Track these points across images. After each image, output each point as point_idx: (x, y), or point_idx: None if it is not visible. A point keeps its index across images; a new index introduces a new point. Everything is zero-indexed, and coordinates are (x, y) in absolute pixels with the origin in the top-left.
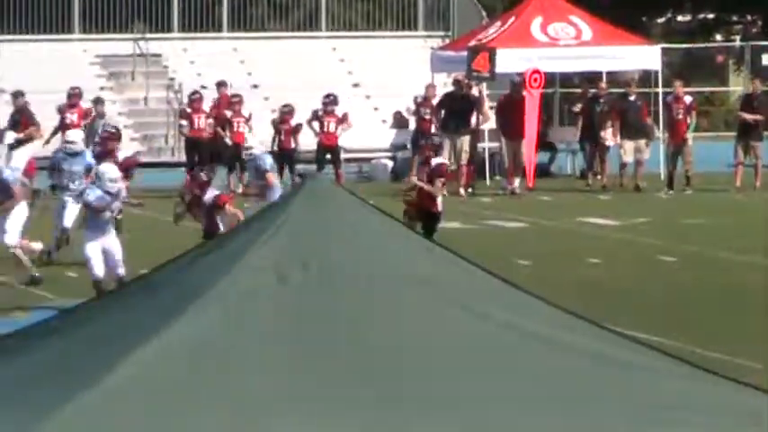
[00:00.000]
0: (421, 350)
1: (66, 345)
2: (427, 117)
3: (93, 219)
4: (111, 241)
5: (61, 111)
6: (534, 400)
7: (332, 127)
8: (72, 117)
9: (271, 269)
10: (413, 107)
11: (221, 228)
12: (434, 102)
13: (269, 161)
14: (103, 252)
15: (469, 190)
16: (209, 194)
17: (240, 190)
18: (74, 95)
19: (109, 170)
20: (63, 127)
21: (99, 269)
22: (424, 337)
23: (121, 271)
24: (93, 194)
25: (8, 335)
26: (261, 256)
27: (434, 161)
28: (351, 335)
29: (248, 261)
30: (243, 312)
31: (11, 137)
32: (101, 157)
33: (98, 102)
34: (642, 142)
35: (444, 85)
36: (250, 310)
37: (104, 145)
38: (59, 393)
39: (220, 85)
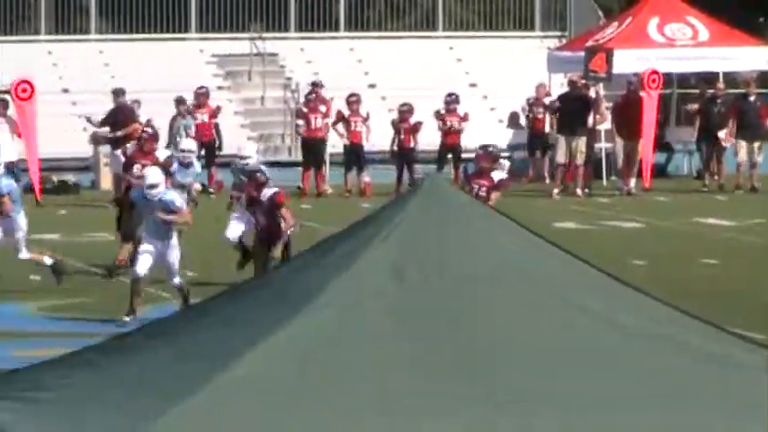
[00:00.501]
0: (532, 349)
1: (182, 344)
2: (540, 117)
3: (145, 219)
4: (162, 247)
5: (189, 111)
6: (636, 397)
7: (455, 125)
8: (203, 117)
9: (388, 268)
10: (526, 107)
11: (282, 226)
12: (546, 101)
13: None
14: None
15: (586, 190)
16: (266, 192)
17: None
18: (201, 95)
19: (150, 175)
20: (195, 126)
21: (140, 267)
22: (536, 335)
23: (176, 280)
24: (136, 193)
25: (127, 333)
26: (378, 255)
27: (497, 176)
28: (465, 333)
29: (366, 260)
30: (360, 311)
31: (103, 131)
32: (133, 158)
33: (180, 102)
34: (756, 144)
35: (561, 85)
36: (367, 308)
37: (141, 145)
38: (174, 392)
39: (315, 85)
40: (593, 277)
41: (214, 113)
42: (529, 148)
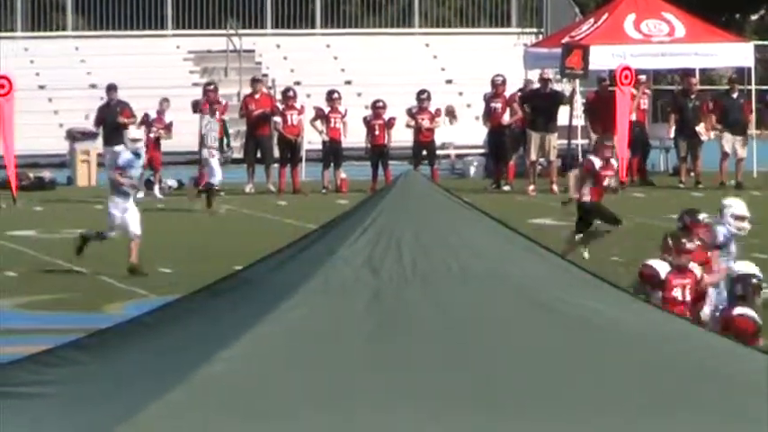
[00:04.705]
0: (507, 346)
1: (159, 342)
2: (498, 111)
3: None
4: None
5: (198, 107)
6: (624, 398)
7: (425, 123)
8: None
9: (363, 265)
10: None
11: None
12: (507, 95)
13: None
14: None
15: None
16: None
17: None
18: (210, 91)
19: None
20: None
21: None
22: (512, 333)
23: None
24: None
25: (103, 330)
26: (354, 252)
27: None
28: (440, 329)
29: (341, 257)
30: (335, 308)
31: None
32: None
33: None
34: (740, 139)
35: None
36: (342, 305)
37: None
38: (151, 388)
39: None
40: (570, 274)
41: (224, 111)
42: (489, 146)
